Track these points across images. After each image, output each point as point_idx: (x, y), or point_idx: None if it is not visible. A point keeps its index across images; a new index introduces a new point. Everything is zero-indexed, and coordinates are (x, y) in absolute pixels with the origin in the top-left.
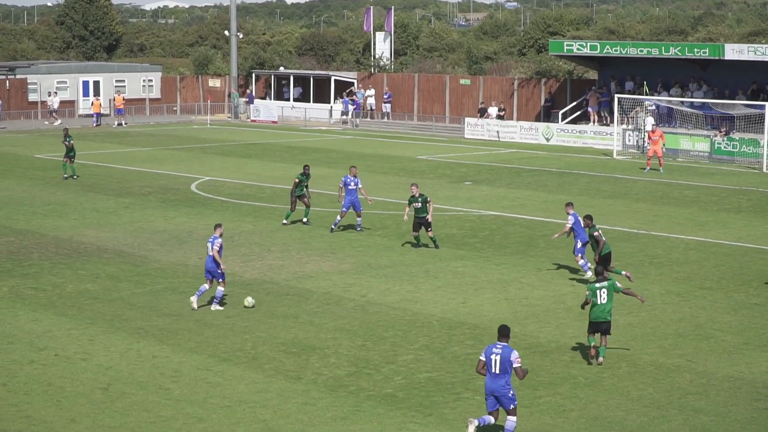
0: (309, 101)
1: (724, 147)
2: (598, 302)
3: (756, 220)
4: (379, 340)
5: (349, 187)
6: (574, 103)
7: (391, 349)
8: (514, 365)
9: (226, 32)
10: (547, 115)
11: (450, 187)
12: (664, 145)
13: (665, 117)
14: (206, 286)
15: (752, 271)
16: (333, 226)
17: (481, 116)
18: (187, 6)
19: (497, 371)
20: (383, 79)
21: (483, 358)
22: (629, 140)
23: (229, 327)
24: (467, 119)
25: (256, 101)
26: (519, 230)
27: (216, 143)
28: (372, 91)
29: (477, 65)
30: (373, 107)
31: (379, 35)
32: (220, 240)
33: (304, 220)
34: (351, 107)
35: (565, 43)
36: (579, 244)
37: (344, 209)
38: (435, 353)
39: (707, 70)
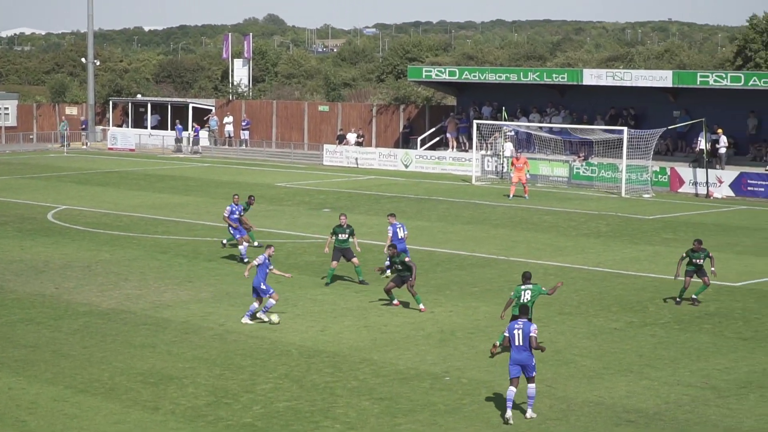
0: (167, 128)
1: (583, 172)
2: (524, 300)
3: (615, 245)
4: (238, 369)
5: (233, 216)
6: (433, 129)
7: (250, 378)
8: (531, 335)
9: (83, 59)
10: (405, 141)
11: (309, 214)
12: (528, 171)
13: (524, 142)
14: (255, 305)
15: (611, 295)
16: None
17: (339, 143)
18: (43, 33)
19: (521, 343)
20: (241, 106)
21: (507, 334)
22: (488, 166)
23: (86, 357)
24: (326, 146)
25: (113, 129)
26: (378, 257)
27: (73, 171)
28: (230, 118)
29: (335, 92)
30: (232, 134)
31: (238, 62)
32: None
33: (256, 243)
34: (189, 134)
35: (424, 69)
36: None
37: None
38: (294, 382)
39: (566, 96)
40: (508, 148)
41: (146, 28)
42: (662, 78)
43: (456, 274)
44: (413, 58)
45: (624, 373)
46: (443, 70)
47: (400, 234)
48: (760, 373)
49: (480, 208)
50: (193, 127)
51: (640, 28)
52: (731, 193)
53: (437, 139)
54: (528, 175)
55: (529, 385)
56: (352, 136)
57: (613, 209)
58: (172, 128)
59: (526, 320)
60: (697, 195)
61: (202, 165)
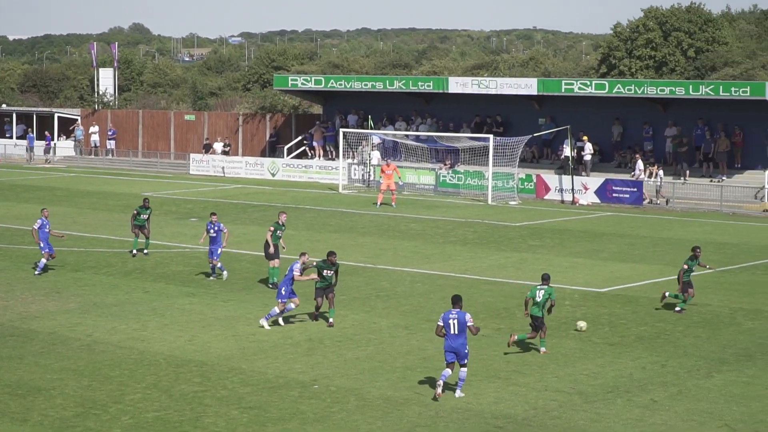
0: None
1: (449, 180)
2: (537, 301)
3: (481, 252)
4: (106, 380)
5: (210, 235)
6: (299, 138)
7: (118, 388)
8: (468, 324)
9: None
10: (272, 150)
11: (176, 223)
12: (399, 178)
13: (390, 151)
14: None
15: (478, 302)
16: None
17: (206, 152)
18: None
19: (456, 332)
20: (107, 115)
21: (441, 323)
22: (355, 174)
23: None
24: (192, 155)
25: None
26: (246, 266)
27: None
28: (96, 128)
29: (202, 101)
30: (98, 144)
31: (103, 71)
32: (298, 265)
33: (145, 251)
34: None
35: (290, 78)
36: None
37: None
38: (162, 392)
39: (431, 104)
40: (375, 156)
41: (10, 38)
42: (527, 86)
43: None
44: (279, 66)
45: (492, 380)
46: (309, 79)
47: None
48: (627, 378)
49: (347, 216)
50: (45, 136)
51: (505, 36)
52: (596, 200)
53: (304, 147)
54: (400, 182)
55: (461, 369)
56: (218, 146)
57: (480, 216)
58: (38, 138)
59: (459, 310)
60: (562, 202)
61: (69, 175)
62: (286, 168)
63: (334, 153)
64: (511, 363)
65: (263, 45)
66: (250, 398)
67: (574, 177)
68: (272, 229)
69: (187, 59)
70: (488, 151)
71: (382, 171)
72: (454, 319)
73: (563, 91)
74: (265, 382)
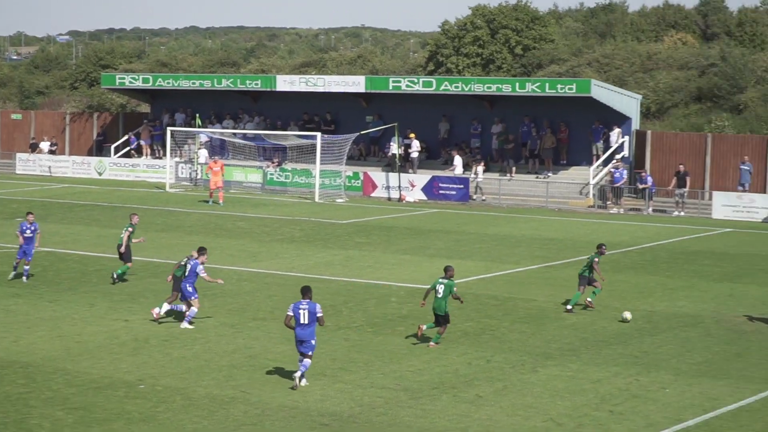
0: None
1: (277, 178)
2: (437, 295)
3: (308, 250)
4: None
5: (25, 235)
6: (127, 137)
7: None
8: (318, 315)
9: None
10: (99, 149)
11: (2, 224)
12: (223, 175)
13: (218, 149)
14: (183, 306)
15: (317, 299)
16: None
17: (32, 151)
18: None
19: (306, 322)
20: None
21: (291, 313)
22: (182, 173)
23: None
24: (18, 155)
25: None
26: (72, 266)
27: None
28: None
29: (29, 99)
30: None
31: None
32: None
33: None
34: None
35: (117, 77)
36: None
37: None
38: None
39: (259, 102)
40: (203, 154)
41: None
42: (355, 83)
43: (150, 282)
44: (107, 65)
45: (318, 377)
46: (137, 77)
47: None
48: (452, 374)
49: (174, 215)
50: None
51: (333, 34)
52: (423, 197)
53: (131, 146)
54: (222, 180)
55: (305, 360)
56: (45, 145)
57: (307, 214)
58: None
59: (310, 300)
60: (390, 199)
61: None
62: (113, 167)
63: (161, 151)
64: (337, 360)
65: (91, 43)
66: (76, 399)
67: (401, 174)
68: (130, 230)
69: (14, 57)
70: (316, 149)
71: (209, 168)
72: (304, 309)
73: (391, 88)
74: (91, 383)
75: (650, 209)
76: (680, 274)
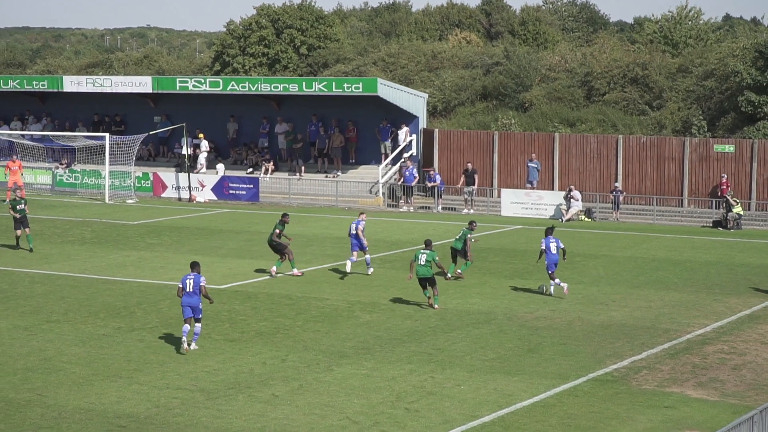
0: None
1: (66, 179)
2: (419, 263)
3: (100, 251)
4: None
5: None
6: None
7: None
8: (201, 284)
9: None
10: None
11: None
12: (22, 175)
13: (6, 150)
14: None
15: (98, 302)
16: None
17: None
18: None
19: (191, 290)
20: None
21: (181, 285)
22: None
23: None
24: None
25: None
26: None
27: None
28: None
29: None
30: None
31: None
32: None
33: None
34: None
35: None
36: None
37: None
38: None
39: (47, 103)
40: None
41: None
42: (142, 84)
43: None
44: None
45: (113, 379)
46: None
47: None
48: (247, 373)
49: None
50: None
51: (119, 34)
52: (214, 197)
53: None
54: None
55: (196, 324)
56: None
57: (98, 215)
58: None
59: (196, 273)
60: (180, 199)
61: None
62: None
63: None
64: (132, 362)
65: None
66: None
67: (191, 174)
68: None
69: None
70: (105, 150)
71: (8, 167)
72: (190, 279)
73: (178, 89)
74: None
75: (440, 207)
76: (471, 272)
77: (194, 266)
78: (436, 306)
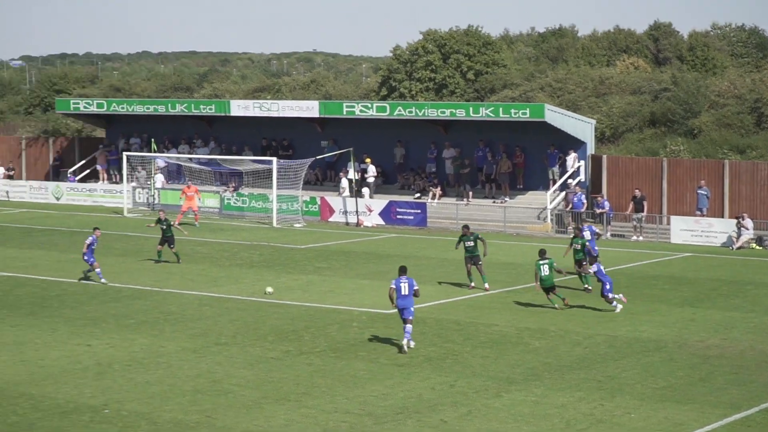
0: None
1: (234, 203)
2: (542, 274)
3: (268, 275)
4: None
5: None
6: (84, 161)
7: None
8: (415, 287)
9: None
10: (56, 173)
11: None
12: (200, 200)
13: (175, 174)
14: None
15: (267, 325)
16: None
17: None
18: None
19: (406, 293)
20: None
21: (393, 286)
22: (140, 198)
23: None
24: None
25: None
26: (32, 291)
27: None
28: None
29: None
30: None
31: None
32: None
33: None
34: None
35: (72, 102)
36: None
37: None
38: None
39: (214, 126)
40: (159, 179)
41: None
42: (309, 108)
43: (112, 307)
44: (61, 90)
45: (282, 402)
46: (91, 102)
47: None
48: (416, 398)
49: (133, 239)
50: None
51: (286, 58)
52: (381, 222)
53: (88, 171)
54: (199, 203)
55: (408, 325)
56: (0, 170)
57: (266, 239)
58: None
59: (407, 277)
60: (347, 224)
61: None
62: (70, 192)
63: (118, 176)
64: (301, 385)
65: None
66: (42, 424)
67: (358, 199)
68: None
69: None
70: (272, 174)
71: (183, 192)
72: (405, 283)
73: (345, 113)
74: (56, 407)
75: (608, 234)
76: (641, 299)
77: (404, 270)
78: (566, 300)
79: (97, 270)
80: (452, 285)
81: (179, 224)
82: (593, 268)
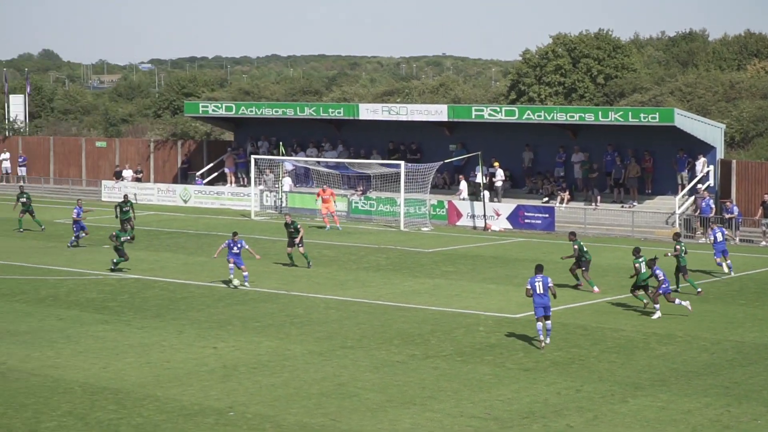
0: None
1: (362, 206)
2: (642, 272)
3: (395, 278)
4: (21, 408)
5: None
6: (211, 165)
7: (34, 416)
8: (549, 285)
9: None
10: (184, 176)
11: (88, 250)
12: (335, 202)
13: (302, 177)
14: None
15: (393, 329)
16: None
17: (117, 179)
18: None
19: (542, 292)
20: (18, 142)
21: (529, 287)
22: (267, 201)
23: None
24: (104, 182)
25: None
26: (159, 293)
27: None
28: (7, 155)
29: (113, 127)
30: (9, 171)
31: (13, 98)
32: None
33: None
34: None
35: (201, 105)
36: None
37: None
38: (78, 419)
39: (342, 130)
40: (287, 182)
41: None
42: (438, 112)
43: (238, 310)
44: (189, 93)
45: (407, 406)
46: (220, 106)
47: None
48: (542, 403)
49: (260, 243)
50: None
51: (415, 62)
52: (509, 226)
53: (216, 174)
54: (336, 205)
55: (547, 321)
56: (128, 173)
57: (393, 242)
58: None
59: (542, 275)
60: (475, 228)
61: None
62: (198, 195)
63: (245, 179)
64: (426, 389)
65: (173, 72)
66: (166, 426)
67: (486, 203)
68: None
69: (97, 86)
70: (400, 178)
71: (318, 195)
72: (539, 282)
73: (473, 117)
74: (181, 410)
75: (737, 239)
76: None
77: (540, 269)
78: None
79: (245, 274)
80: (579, 290)
81: (330, 227)
82: (657, 271)
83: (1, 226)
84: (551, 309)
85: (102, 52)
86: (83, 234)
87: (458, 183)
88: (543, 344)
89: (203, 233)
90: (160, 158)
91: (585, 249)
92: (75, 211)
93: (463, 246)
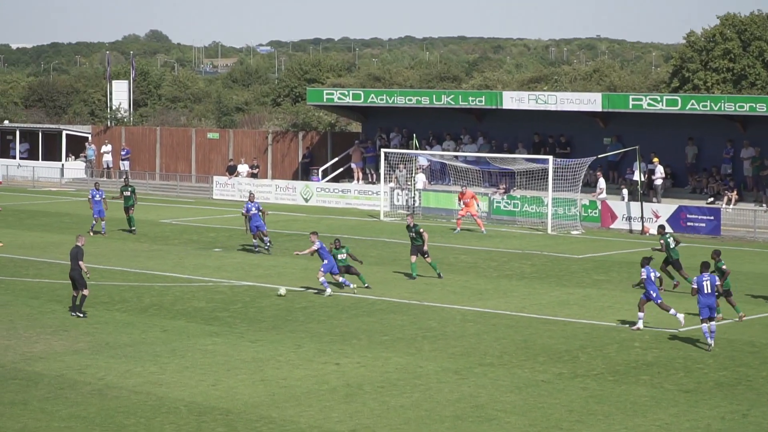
0: (38, 159)
1: (504, 206)
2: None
3: (540, 288)
4: (120, 429)
5: (251, 213)
6: (336, 159)
7: None
8: (717, 284)
9: None
10: (305, 172)
11: (197, 254)
12: (478, 205)
13: (438, 174)
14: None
15: (537, 344)
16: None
17: (230, 174)
18: None
19: (709, 291)
20: (121, 133)
21: (695, 286)
22: (398, 200)
23: None
24: (216, 178)
25: None
26: (276, 302)
27: None
28: (108, 147)
29: (227, 117)
30: (110, 165)
31: (117, 84)
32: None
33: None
34: None
35: (325, 92)
36: None
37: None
38: None
39: (484, 121)
40: (420, 179)
41: (13, 46)
42: (591, 101)
43: (364, 321)
44: (313, 79)
45: (552, 431)
46: (346, 93)
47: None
48: (703, 429)
49: (390, 246)
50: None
51: (566, 45)
52: (669, 229)
53: (341, 169)
54: (478, 209)
55: (712, 323)
56: (243, 167)
57: (538, 248)
58: (44, 158)
59: (710, 273)
60: (631, 231)
61: (78, 200)
62: (320, 193)
63: (374, 176)
64: (575, 412)
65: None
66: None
67: (644, 204)
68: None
69: (209, 70)
70: (547, 175)
71: (460, 198)
72: (706, 281)
73: (631, 107)
74: None
75: None
76: None
77: (706, 266)
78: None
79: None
80: (748, 302)
81: (459, 229)
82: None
83: (77, 226)
84: (717, 309)
85: (216, 33)
86: (101, 223)
87: (621, 181)
88: (709, 347)
89: (326, 235)
90: (279, 152)
91: (672, 246)
92: (97, 194)
93: (617, 252)
